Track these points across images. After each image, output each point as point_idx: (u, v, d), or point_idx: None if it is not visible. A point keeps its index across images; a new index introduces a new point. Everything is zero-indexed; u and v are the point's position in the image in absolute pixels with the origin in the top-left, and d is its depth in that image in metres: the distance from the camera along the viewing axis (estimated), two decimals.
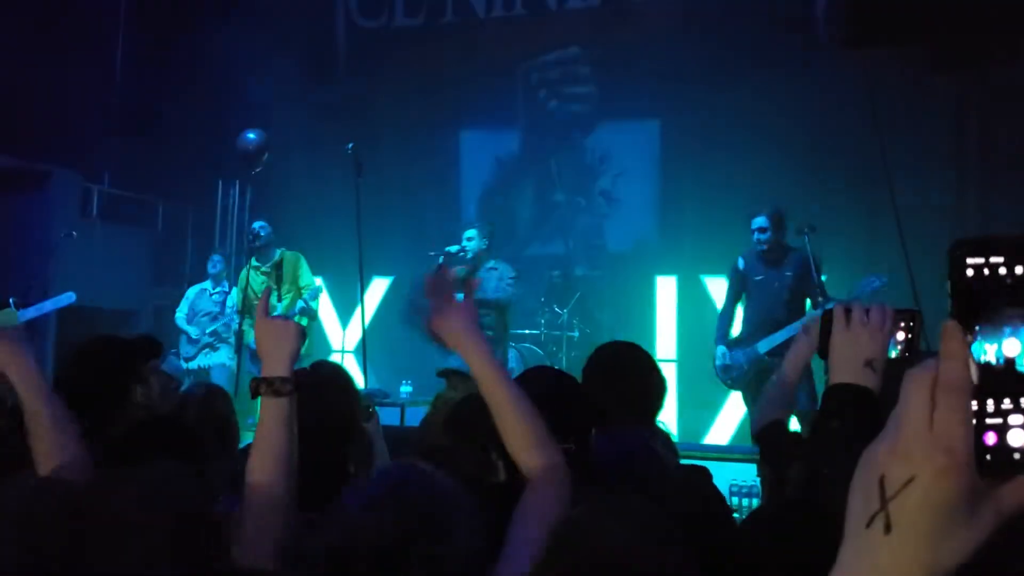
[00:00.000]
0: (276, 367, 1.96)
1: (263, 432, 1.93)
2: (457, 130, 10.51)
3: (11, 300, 7.05)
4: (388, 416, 7.17)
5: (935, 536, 0.71)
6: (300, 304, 7.50)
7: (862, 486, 0.76)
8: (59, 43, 8.79)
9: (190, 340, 8.16)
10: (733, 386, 6.68)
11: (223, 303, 8.19)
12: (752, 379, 6.35)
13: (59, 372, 2.62)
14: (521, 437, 1.87)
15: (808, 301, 6.33)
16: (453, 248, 7.03)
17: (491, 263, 7.07)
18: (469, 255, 7.04)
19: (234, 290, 8.19)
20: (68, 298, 7.50)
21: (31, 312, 7.25)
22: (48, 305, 7.51)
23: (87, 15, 9.81)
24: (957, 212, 8.13)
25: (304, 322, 7.43)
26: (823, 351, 1.76)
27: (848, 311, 1.72)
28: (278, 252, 7.70)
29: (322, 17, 10.90)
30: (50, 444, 2.10)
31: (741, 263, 6.54)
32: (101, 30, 10.09)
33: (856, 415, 1.64)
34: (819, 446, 1.73)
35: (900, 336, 1.77)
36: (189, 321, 8.23)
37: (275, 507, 1.87)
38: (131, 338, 2.98)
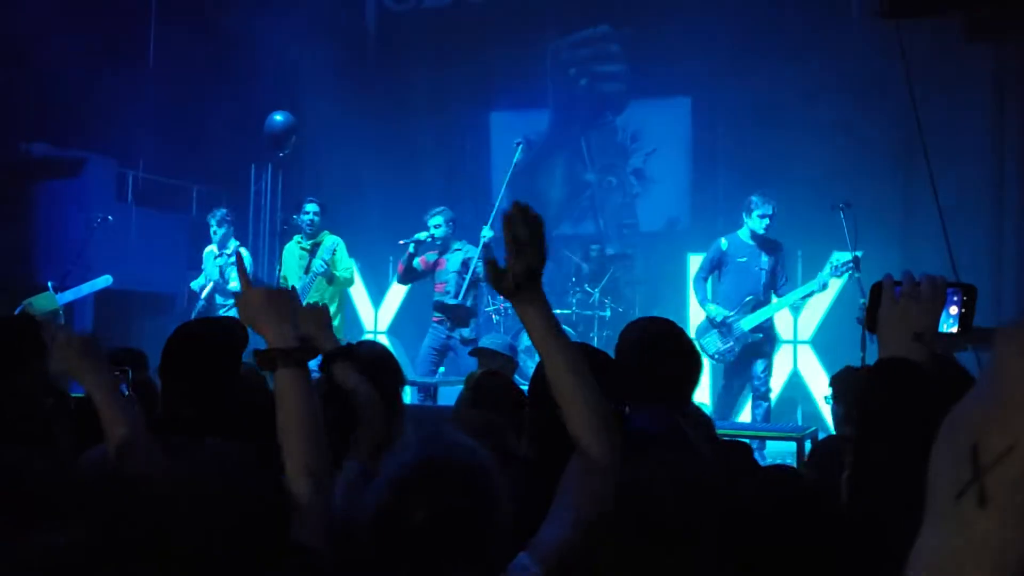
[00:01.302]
0: (284, 337, 1.87)
1: (288, 407, 1.85)
2: (487, 110, 10.48)
3: (49, 284, 7.16)
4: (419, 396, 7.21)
5: None
6: (321, 267, 7.48)
7: (950, 453, 0.69)
8: (92, 30, 8.85)
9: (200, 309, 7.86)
10: (719, 360, 6.98)
11: (222, 268, 7.89)
12: (739, 356, 6.87)
13: (181, 351, 2.58)
14: (575, 400, 1.81)
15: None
16: (423, 235, 7.18)
17: (456, 244, 7.27)
18: (438, 241, 7.22)
19: (243, 252, 7.89)
20: (105, 281, 7.60)
21: (69, 295, 7.35)
22: (85, 288, 7.62)
23: (120, 1, 9.88)
24: (997, 183, 7.99)
25: (317, 286, 7.52)
26: (871, 325, 1.70)
27: (897, 283, 1.67)
28: (322, 234, 7.71)
29: (352, 0, 10.91)
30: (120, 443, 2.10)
31: (725, 244, 6.98)
32: (134, 16, 10.16)
33: (906, 390, 1.60)
34: (868, 421, 1.69)
35: (953, 311, 1.70)
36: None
37: (316, 485, 1.82)
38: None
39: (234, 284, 7.72)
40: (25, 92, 8.61)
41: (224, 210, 8.10)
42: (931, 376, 1.61)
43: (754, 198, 6.82)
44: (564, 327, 6.87)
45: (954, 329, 1.69)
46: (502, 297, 7.79)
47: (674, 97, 9.74)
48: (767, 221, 6.78)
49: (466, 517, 1.56)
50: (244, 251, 7.91)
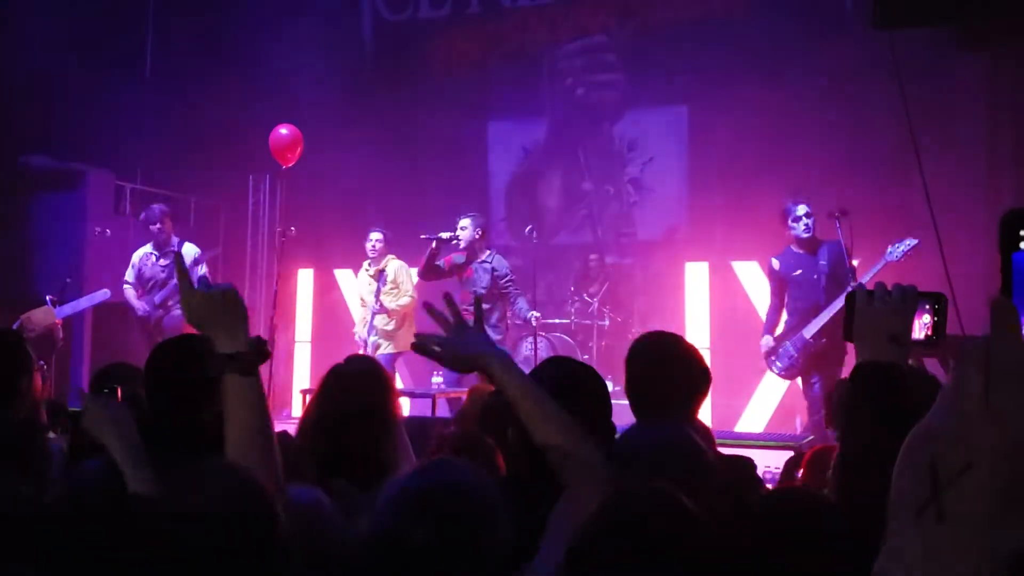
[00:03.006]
0: (234, 341, 1.75)
1: (236, 420, 1.73)
2: (484, 120, 10.50)
3: (47, 298, 7.15)
4: (419, 406, 7.21)
5: (993, 522, 0.68)
6: (374, 306, 7.66)
7: (910, 469, 0.72)
8: (90, 43, 8.88)
9: (138, 320, 7.70)
10: (786, 376, 6.67)
11: (171, 266, 7.64)
12: (804, 365, 6.43)
13: (161, 368, 2.57)
14: (556, 445, 1.83)
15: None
16: (445, 234, 7.20)
17: (486, 255, 7.27)
18: (462, 244, 7.23)
19: (187, 247, 7.78)
20: (103, 295, 7.59)
21: (67, 309, 7.34)
22: (83, 302, 7.61)
23: (117, 14, 9.91)
24: (990, 191, 7.99)
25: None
26: (847, 333, 1.74)
27: (870, 292, 1.72)
28: (386, 259, 7.81)
29: (349, 12, 10.94)
30: None
31: (777, 264, 6.59)
32: (131, 28, 10.19)
33: (884, 392, 1.63)
34: (849, 425, 1.72)
35: (926, 319, 1.75)
36: (137, 293, 7.76)
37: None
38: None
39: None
40: (23, 105, 8.61)
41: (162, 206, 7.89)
42: (908, 376, 1.64)
43: (787, 205, 6.54)
44: (563, 336, 6.89)
45: (925, 336, 1.74)
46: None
47: (671, 106, 9.75)
48: (807, 221, 6.43)
49: (466, 542, 1.57)
50: (190, 247, 7.82)
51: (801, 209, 6.46)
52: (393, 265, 7.82)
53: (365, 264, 7.99)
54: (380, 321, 7.80)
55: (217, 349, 1.75)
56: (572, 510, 1.78)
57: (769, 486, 5.20)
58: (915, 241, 6.02)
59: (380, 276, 7.79)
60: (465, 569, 1.55)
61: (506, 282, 7.23)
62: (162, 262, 7.73)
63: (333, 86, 9.74)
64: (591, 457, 1.84)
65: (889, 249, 6.12)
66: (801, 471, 3.31)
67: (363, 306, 8.00)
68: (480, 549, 1.57)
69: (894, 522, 0.74)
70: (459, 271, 7.34)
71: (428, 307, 1.99)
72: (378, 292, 7.75)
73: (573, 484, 1.81)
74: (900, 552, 0.72)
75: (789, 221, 6.49)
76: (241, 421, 1.73)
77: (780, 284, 6.61)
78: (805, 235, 6.45)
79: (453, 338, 1.92)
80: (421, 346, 1.92)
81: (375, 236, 7.85)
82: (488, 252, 7.32)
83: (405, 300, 7.78)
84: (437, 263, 7.29)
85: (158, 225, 7.74)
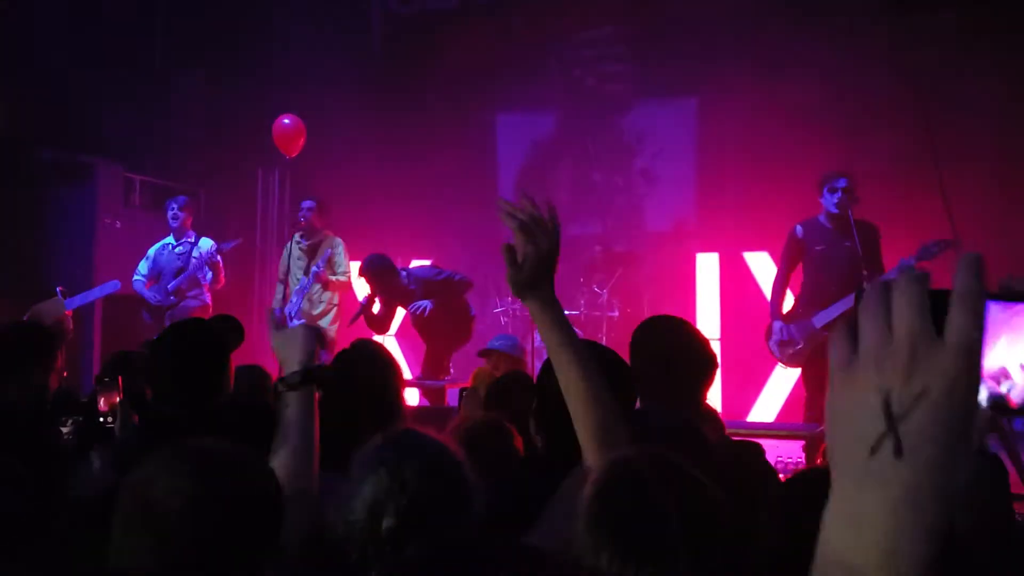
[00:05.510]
0: (289, 367, 2.08)
1: (282, 425, 2.01)
2: (493, 113, 10.47)
3: (58, 289, 7.17)
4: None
5: (950, 454, 0.65)
6: (314, 269, 7.61)
7: (854, 410, 0.68)
8: (99, 36, 8.88)
9: (150, 309, 7.77)
10: (789, 364, 6.27)
11: (188, 255, 7.76)
12: (810, 355, 5.99)
13: (166, 353, 2.60)
14: (580, 402, 1.80)
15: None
16: (361, 297, 7.37)
17: (404, 279, 7.21)
18: (383, 292, 7.24)
19: (204, 240, 7.84)
20: (112, 286, 7.62)
21: (77, 300, 7.37)
22: (94, 293, 7.64)
23: (126, 6, 9.90)
24: (1001, 177, 7.92)
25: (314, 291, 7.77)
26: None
27: (887, 285, 1.68)
28: (321, 234, 7.80)
29: (358, 3, 10.92)
30: None
31: (800, 231, 6.09)
32: (139, 20, 10.18)
33: None
34: None
35: None
36: (154, 281, 7.84)
37: (298, 498, 1.86)
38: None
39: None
40: (33, 98, 8.62)
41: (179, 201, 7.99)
42: None
43: (828, 172, 5.98)
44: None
45: None
46: (512, 296, 7.68)
47: (680, 97, 9.72)
48: (839, 196, 5.86)
49: (435, 507, 1.59)
50: (206, 241, 7.85)
51: (841, 181, 5.93)
52: (329, 239, 7.78)
53: (296, 236, 7.92)
54: (316, 290, 7.77)
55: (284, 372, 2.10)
56: (582, 480, 1.76)
57: (781, 476, 5.19)
58: (950, 241, 5.54)
59: (313, 251, 7.76)
60: (436, 532, 1.55)
61: (436, 276, 7.17)
62: (178, 250, 7.78)
63: (342, 78, 9.72)
64: (610, 420, 1.82)
65: (922, 248, 5.63)
66: (820, 459, 3.29)
67: (281, 281, 7.97)
68: (448, 511, 1.59)
69: (838, 477, 0.69)
70: (401, 300, 7.26)
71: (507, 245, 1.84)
72: (307, 267, 7.73)
73: (584, 444, 1.79)
74: (849, 502, 0.67)
75: (825, 190, 5.97)
76: (283, 424, 2.02)
77: (796, 253, 6.11)
78: (836, 211, 5.92)
79: (535, 251, 1.80)
80: (513, 238, 1.82)
81: (307, 205, 7.83)
82: (404, 274, 7.23)
83: (342, 279, 7.84)
84: (374, 313, 7.29)
85: (181, 214, 7.84)
